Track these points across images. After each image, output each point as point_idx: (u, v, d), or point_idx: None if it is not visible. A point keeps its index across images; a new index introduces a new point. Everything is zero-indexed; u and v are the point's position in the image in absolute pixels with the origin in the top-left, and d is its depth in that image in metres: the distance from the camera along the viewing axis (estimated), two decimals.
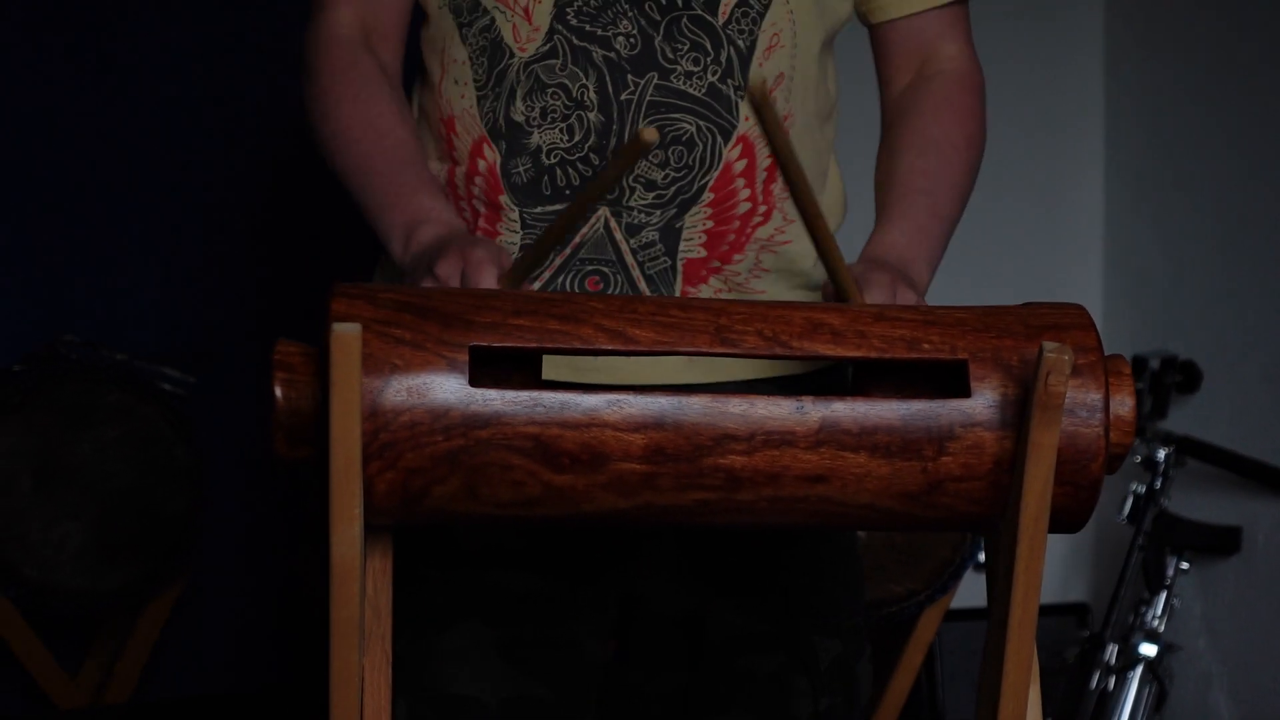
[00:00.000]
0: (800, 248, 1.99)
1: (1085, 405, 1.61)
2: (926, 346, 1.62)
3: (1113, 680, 4.04)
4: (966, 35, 2.11)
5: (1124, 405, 1.64)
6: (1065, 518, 1.63)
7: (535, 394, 1.57)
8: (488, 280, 1.74)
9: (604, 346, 1.59)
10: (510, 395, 1.57)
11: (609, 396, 1.58)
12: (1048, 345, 1.55)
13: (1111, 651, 4.04)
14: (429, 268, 1.80)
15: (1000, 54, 4.31)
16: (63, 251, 3.72)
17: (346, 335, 1.50)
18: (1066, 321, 1.65)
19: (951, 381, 1.64)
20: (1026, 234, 4.52)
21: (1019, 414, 1.60)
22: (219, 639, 3.74)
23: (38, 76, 3.70)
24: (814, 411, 1.59)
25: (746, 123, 1.96)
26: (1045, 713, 1.65)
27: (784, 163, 1.67)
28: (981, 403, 1.61)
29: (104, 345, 3.53)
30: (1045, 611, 4.38)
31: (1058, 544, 4.50)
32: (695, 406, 1.59)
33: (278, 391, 1.58)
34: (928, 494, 1.61)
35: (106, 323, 3.68)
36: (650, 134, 1.57)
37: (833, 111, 2.09)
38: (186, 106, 3.76)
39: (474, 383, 1.57)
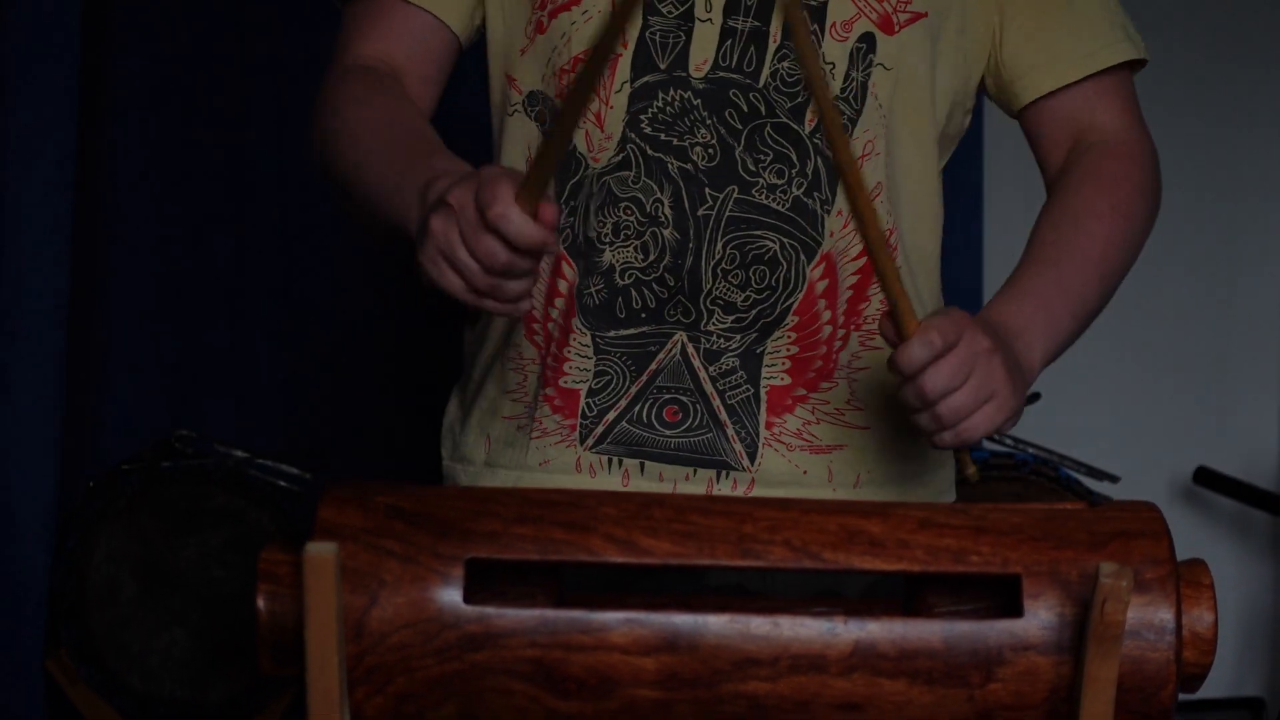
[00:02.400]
0: (888, 378, 1.83)
1: (1153, 627, 1.43)
2: (975, 559, 1.45)
3: None
4: (1126, 104, 1.94)
5: (1202, 621, 1.46)
6: None
7: (536, 613, 1.43)
8: (504, 196, 1.55)
9: (613, 559, 1.45)
10: (510, 614, 1.43)
11: (620, 615, 1.43)
12: (1104, 568, 1.38)
13: None
14: (441, 197, 1.59)
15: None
16: (181, 347, 3.66)
17: (320, 558, 1.37)
18: (1135, 528, 1.47)
19: (1006, 593, 1.47)
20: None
21: (1077, 636, 1.42)
22: None
23: (163, 171, 3.65)
24: (846, 633, 1.43)
25: (831, 238, 1.81)
26: None
27: (821, 106, 1.48)
28: (1035, 624, 1.44)
29: (219, 441, 3.45)
30: (1217, 706, 4.18)
31: (1229, 634, 4.30)
32: (713, 627, 1.44)
33: (260, 605, 1.46)
34: None
35: (223, 419, 3.62)
36: None
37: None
38: (309, 201, 3.68)
39: (469, 599, 1.43)
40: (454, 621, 1.43)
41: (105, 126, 3.61)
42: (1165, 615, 1.44)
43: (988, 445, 3.62)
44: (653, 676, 1.43)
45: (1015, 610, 1.44)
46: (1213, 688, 4.26)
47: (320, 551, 1.37)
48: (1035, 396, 3.61)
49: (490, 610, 1.43)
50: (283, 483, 3.44)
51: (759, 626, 1.44)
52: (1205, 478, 4.05)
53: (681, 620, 1.43)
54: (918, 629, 1.44)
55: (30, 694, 3.29)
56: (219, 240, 3.69)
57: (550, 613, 1.43)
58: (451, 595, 1.43)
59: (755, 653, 1.43)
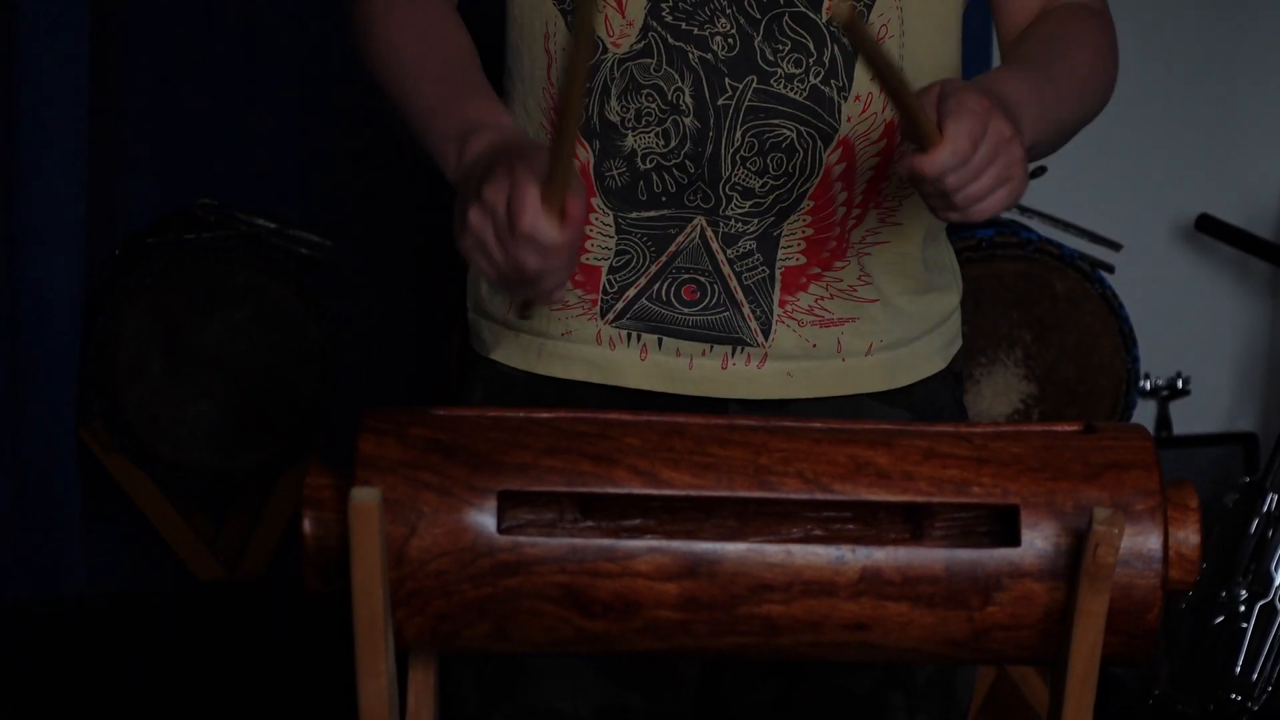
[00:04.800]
0: (900, 249, 1.91)
1: (1141, 556, 1.53)
2: (977, 490, 1.55)
3: (1272, 530, 3.93)
4: None
5: (1188, 542, 1.56)
6: (1119, 661, 1.57)
7: (565, 541, 1.53)
8: (532, 205, 1.62)
9: (635, 491, 1.54)
10: (540, 542, 1.53)
11: (644, 543, 1.53)
12: (1098, 514, 1.47)
13: (1272, 500, 3.93)
14: (477, 190, 1.67)
15: None
16: (203, 114, 3.70)
17: (364, 505, 1.47)
18: (1128, 459, 1.56)
19: (1006, 518, 1.57)
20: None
21: (1071, 564, 1.52)
22: None
23: None
24: (854, 560, 1.54)
25: (848, 124, 1.86)
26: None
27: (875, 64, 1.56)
28: (1031, 553, 1.53)
29: (241, 210, 3.52)
30: (1212, 440, 4.29)
31: (1226, 373, 4.40)
32: (731, 554, 1.54)
33: (306, 528, 1.55)
34: (974, 640, 1.55)
35: (242, 187, 3.67)
36: None
37: None
38: None
39: (502, 528, 1.53)
40: (488, 550, 1.52)
41: None
42: (1154, 544, 1.53)
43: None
44: (674, 600, 1.53)
45: (1013, 539, 1.54)
46: (1209, 423, 4.39)
47: (365, 498, 1.47)
48: (1041, 170, 3.67)
49: (522, 539, 1.53)
50: (304, 250, 3.51)
51: (774, 554, 1.53)
52: (1207, 225, 4.12)
53: (702, 548, 1.53)
54: (921, 556, 1.54)
55: (65, 462, 3.40)
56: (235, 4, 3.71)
57: (579, 541, 1.53)
58: (486, 524, 1.53)
59: (770, 579, 1.53)
